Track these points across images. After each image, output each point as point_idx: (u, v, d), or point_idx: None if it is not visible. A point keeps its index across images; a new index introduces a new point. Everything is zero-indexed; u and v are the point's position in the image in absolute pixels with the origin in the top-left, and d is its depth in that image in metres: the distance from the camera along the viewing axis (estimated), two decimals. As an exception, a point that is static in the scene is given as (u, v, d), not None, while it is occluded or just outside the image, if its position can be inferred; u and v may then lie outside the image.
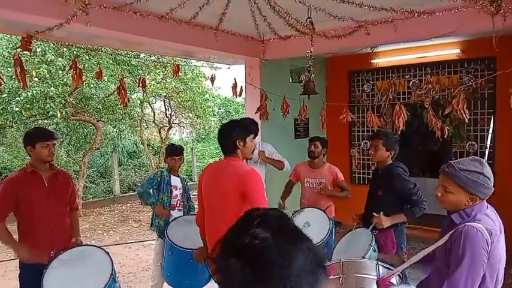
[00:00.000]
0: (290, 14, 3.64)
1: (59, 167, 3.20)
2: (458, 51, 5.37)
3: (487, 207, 1.84)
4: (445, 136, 4.37)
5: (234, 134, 2.53)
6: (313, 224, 3.42)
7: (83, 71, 7.08)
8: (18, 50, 3.82)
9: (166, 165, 3.98)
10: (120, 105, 4.47)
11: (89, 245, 3.10)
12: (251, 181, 2.42)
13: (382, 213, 2.90)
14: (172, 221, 3.59)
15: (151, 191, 3.83)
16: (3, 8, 2.95)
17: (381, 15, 3.77)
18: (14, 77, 6.29)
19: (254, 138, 2.64)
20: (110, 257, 2.77)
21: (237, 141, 2.52)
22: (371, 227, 2.87)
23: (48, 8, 3.17)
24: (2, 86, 3.49)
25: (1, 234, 2.81)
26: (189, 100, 9.69)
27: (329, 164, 4.15)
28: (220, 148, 2.66)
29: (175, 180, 3.88)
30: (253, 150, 3.43)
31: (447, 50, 5.42)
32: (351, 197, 3.92)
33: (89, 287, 2.56)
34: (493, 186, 1.81)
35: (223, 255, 0.78)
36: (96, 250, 2.83)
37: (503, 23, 3.28)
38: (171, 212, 3.79)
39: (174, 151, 3.91)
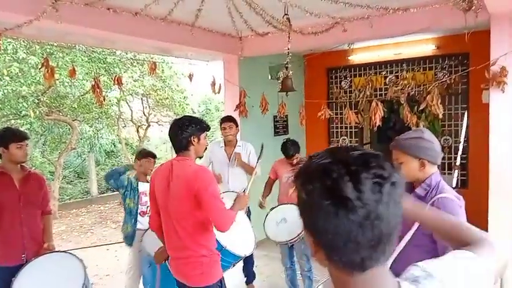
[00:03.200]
0: (266, 11, 3.62)
1: (33, 168, 3.10)
2: (433, 47, 5.47)
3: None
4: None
5: (188, 129, 2.38)
6: (290, 220, 3.44)
7: (57, 69, 6.92)
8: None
9: (134, 173, 3.71)
10: (96, 103, 4.36)
11: (61, 251, 3.01)
12: (200, 181, 2.28)
13: None
14: (145, 233, 3.36)
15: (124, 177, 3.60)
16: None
17: (357, 11, 3.80)
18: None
19: (207, 135, 2.55)
20: (83, 264, 2.71)
21: (191, 138, 2.39)
22: None
23: (17, 4, 3.07)
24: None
25: None
26: (167, 98, 9.56)
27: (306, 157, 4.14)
28: (172, 145, 2.49)
29: (144, 187, 3.60)
30: (206, 149, 3.40)
31: (422, 46, 5.51)
32: None
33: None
34: (467, 176, 1.86)
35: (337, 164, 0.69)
36: (69, 257, 2.77)
37: (475, 20, 3.35)
38: (141, 218, 3.57)
39: (139, 154, 3.70)
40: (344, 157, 0.70)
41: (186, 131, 2.38)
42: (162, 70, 9.06)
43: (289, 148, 3.79)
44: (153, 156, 3.73)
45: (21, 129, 7.93)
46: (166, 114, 11.05)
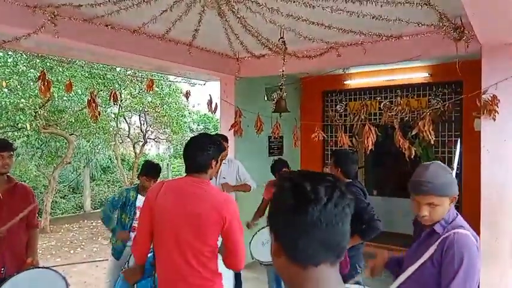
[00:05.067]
0: (262, 34, 3.69)
1: (27, 181, 3.07)
2: (426, 75, 5.55)
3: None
4: (414, 157, 4.46)
5: (210, 151, 2.19)
6: None
7: (56, 83, 7.00)
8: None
9: (138, 182, 3.72)
10: (91, 118, 4.38)
11: (44, 267, 2.88)
12: (232, 213, 2.11)
13: None
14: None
15: (115, 213, 3.63)
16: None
17: (351, 37, 3.87)
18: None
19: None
20: (66, 282, 2.60)
21: (211, 160, 2.19)
22: None
23: (16, 17, 3.11)
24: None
25: None
26: (165, 115, 9.61)
27: None
28: (187, 164, 2.23)
29: (142, 201, 3.64)
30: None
31: (416, 73, 5.59)
32: None
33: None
34: (460, 205, 1.86)
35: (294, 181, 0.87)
36: (53, 274, 2.65)
37: (466, 49, 3.41)
38: (131, 234, 3.50)
39: (152, 172, 3.59)
40: (306, 172, 0.89)
41: (207, 152, 2.18)
42: (161, 88, 9.15)
43: (277, 167, 3.83)
44: (154, 175, 3.60)
45: (17, 141, 7.97)
46: (163, 131, 11.10)
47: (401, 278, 1.84)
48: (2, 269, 2.61)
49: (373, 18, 3.10)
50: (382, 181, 7.40)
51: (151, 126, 10.62)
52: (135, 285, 2.48)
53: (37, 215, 3.17)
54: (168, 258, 2.17)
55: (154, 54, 4.15)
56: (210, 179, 2.30)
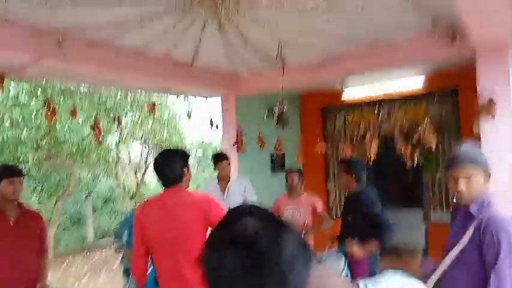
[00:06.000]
0: (261, 48, 3.80)
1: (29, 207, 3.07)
2: (423, 84, 5.65)
3: None
4: (415, 167, 4.48)
5: (179, 162, 2.37)
6: None
7: (57, 113, 7.06)
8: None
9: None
10: (95, 141, 4.42)
11: None
12: (215, 207, 2.28)
13: (355, 238, 2.90)
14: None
15: (125, 232, 3.68)
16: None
17: (348, 47, 3.98)
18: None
19: None
20: None
21: (183, 169, 2.37)
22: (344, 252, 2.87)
23: (22, 45, 3.18)
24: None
25: None
26: (165, 141, 9.67)
27: (307, 193, 4.18)
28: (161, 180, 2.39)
29: None
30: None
31: (413, 83, 5.69)
32: (330, 226, 3.92)
33: None
34: None
35: (213, 249, 0.77)
36: None
37: (460, 51, 3.51)
38: None
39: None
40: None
41: (175, 164, 2.34)
42: (161, 115, 9.25)
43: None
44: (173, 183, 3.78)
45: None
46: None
47: (446, 261, 1.86)
48: None
49: (369, 25, 3.21)
50: (383, 193, 7.38)
51: (152, 153, 10.64)
52: None
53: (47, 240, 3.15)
54: (166, 270, 2.28)
55: (156, 74, 4.23)
56: (186, 187, 2.44)
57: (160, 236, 2.27)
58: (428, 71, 5.29)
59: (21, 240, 2.76)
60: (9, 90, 6.80)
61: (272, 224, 0.78)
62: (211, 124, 5.23)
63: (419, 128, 3.89)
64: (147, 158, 10.56)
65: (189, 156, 2.47)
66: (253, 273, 0.72)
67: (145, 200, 2.49)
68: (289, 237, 0.76)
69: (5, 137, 7.27)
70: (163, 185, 2.38)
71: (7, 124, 7.15)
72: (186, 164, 2.39)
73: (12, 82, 6.24)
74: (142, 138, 9.72)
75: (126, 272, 3.60)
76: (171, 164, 2.34)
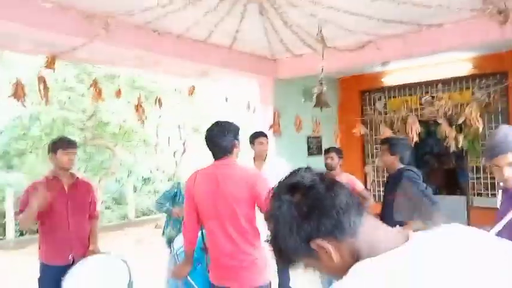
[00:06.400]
0: (302, 28, 3.76)
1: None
2: (469, 67, 5.42)
3: None
4: (459, 152, 4.33)
5: (231, 133, 2.39)
6: None
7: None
8: (43, 68, 4.00)
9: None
10: (138, 121, 4.60)
11: (107, 253, 3.15)
12: (263, 185, 2.32)
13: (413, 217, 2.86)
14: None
15: (166, 204, 3.89)
16: (31, 26, 3.13)
17: (391, 29, 3.87)
18: (34, 102, 6.55)
19: None
20: (127, 265, 2.80)
21: (235, 141, 2.41)
22: None
23: (73, 28, 3.33)
24: (25, 100, 3.66)
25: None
26: (202, 125, 9.86)
27: (346, 174, 4.16)
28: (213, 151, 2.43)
29: None
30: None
31: (458, 66, 5.47)
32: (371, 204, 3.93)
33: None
34: None
35: (278, 195, 0.88)
36: (114, 259, 2.89)
37: (511, 33, 3.34)
38: None
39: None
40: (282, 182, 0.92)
41: (229, 134, 2.38)
42: (198, 99, 9.41)
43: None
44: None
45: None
46: (202, 142, 11.33)
47: (497, 227, 1.85)
48: (70, 257, 2.83)
49: (413, 5, 3.11)
50: (426, 179, 7.22)
51: (190, 136, 10.88)
52: (188, 276, 2.59)
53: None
54: (214, 238, 2.39)
55: (196, 58, 4.31)
56: (237, 158, 2.50)
57: (209, 205, 2.37)
58: (476, 54, 5.07)
59: (74, 206, 2.99)
60: (57, 75, 7.13)
61: (327, 177, 0.89)
62: (249, 107, 5.28)
63: (465, 111, 3.74)
64: (185, 141, 10.81)
65: (239, 129, 2.48)
66: (311, 214, 0.82)
67: (196, 170, 2.54)
68: (342, 188, 0.87)
69: (54, 118, 7.67)
70: (214, 155, 2.42)
71: (56, 106, 7.54)
72: (237, 137, 2.43)
73: (60, 66, 6.54)
74: (181, 122, 9.96)
75: (169, 243, 3.78)
76: (223, 135, 2.37)
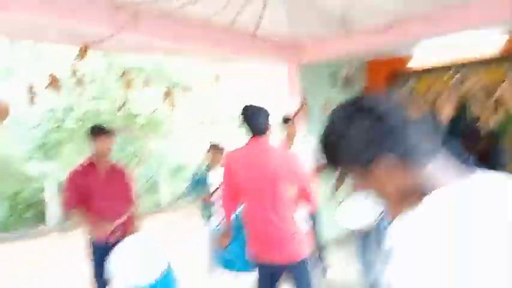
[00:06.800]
0: (326, 14, 3.72)
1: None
2: (501, 45, 5.20)
3: None
4: (491, 134, 4.16)
5: (267, 115, 2.53)
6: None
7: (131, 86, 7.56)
8: (76, 60, 4.14)
9: (207, 162, 4.15)
10: (169, 106, 4.69)
11: (146, 234, 3.31)
12: (298, 164, 2.50)
13: None
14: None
15: (195, 191, 4.20)
16: (63, 18, 3.24)
17: (418, 8, 3.78)
18: (67, 94, 6.83)
19: None
20: (163, 247, 2.97)
21: (269, 124, 2.54)
22: None
23: (102, 18, 3.44)
24: (61, 92, 3.81)
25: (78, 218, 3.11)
26: (227, 112, 9.97)
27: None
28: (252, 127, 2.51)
29: (212, 178, 4.04)
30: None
31: (489, 45, 5.26)
32: None
33: (149, 270, 2.73)
34: None
35: (340, 118, 0.86)
36: (151, 238, 3.07)
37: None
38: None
39: (215, 146, 4.11)
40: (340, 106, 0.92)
41: (265, 115, 2.51)
42: (223, 86, 9.48)
43: None
44: (217, 148, 4.11)
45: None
46: (227, 130, 11.45)
47: None
48: (111, 238, 3.09)
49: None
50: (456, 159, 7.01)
51: (213, 125, 11.02)
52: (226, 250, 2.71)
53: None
54: (254, 213, 2.49)
55: (221, 44, 4.35)
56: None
57: (247, 182, 2.48)
58: (509, 32, 4.85)
59: (111, 189, 3.19)
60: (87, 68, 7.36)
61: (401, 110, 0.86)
62: (275, 94, 5.29)
63: (498, 91, 3.62)
64: (210, 129, 10.96)
65: (269, 114, 2.58)
66: (391, 132, 0.80)
67: (233, 150, 2.64)
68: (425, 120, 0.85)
69: (86, 110, 7.96)
70: (253, 131, 2.50)
71: (88, 97, 7.82)
72: (269, 120, 2.55)
73: (90, 57, 6.74)
74: (208, 110, 10.08)
75: (207, 221, 3.99)
76: (260, 113, 2.50)
